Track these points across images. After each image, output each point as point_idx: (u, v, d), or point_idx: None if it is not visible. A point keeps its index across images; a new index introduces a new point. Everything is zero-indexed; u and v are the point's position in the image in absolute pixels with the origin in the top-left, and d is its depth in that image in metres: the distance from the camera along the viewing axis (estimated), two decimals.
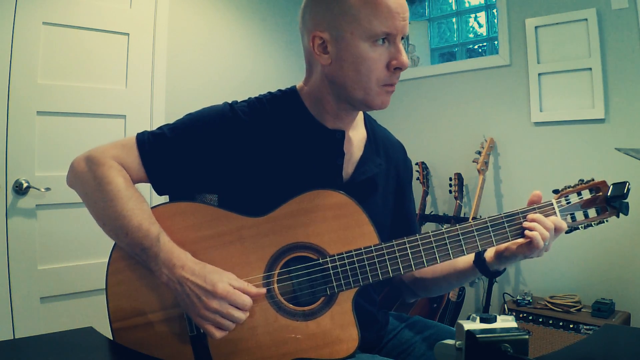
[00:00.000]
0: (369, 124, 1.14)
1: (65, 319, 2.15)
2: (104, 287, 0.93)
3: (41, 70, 2.12)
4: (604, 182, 1.01)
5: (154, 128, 1.03)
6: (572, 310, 2.28)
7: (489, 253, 1.00)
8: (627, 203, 1.00)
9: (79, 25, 2.22)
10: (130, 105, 2.38)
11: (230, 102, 1.04)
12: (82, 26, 2.22)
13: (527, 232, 0.94)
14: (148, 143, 0.99)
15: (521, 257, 0.95)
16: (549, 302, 2.37)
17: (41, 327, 2.07)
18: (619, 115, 2.41)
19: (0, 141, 2.02)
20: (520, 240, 0.95)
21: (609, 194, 0.99)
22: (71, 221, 2.19)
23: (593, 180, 1.01)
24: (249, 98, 1.06)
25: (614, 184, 1.00)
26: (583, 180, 1.02)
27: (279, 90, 1.07)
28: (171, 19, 2.53)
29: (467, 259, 1.03)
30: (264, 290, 0.91)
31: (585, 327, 2.19)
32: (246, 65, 2.87)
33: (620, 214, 1.00)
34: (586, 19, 2.46)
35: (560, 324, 2.25)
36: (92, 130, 2.24)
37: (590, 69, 2.46)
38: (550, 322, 2.28)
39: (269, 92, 1.07)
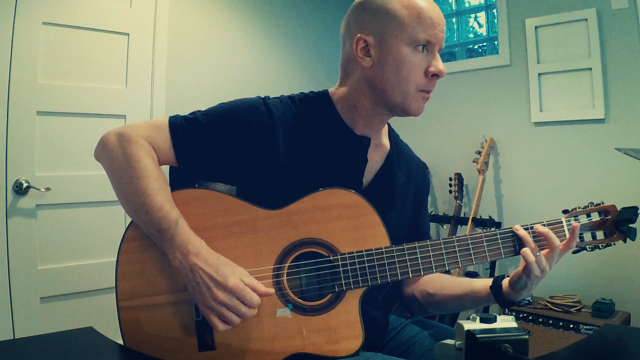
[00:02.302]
0: (393, 137, 1.15)
1: (65, 319, 2.15)
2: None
3: (41, 70, 2.12)
4: (613, 206, 1.02)
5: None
6: (572, 310, 2.29)
7: (505, 282, 1.01)
8: (636, 229, 1.00)
9: (79, 25, 2.22)
10: (130, 105, 2.38)
11: (263, 96, 1.06)
12: (82, 26, 2.22)
13: (522, 250, 0.95)
14: (180, 127, 1.00)
15: (525, 279, 0.96)
16: (549, 302, 2.37)
17: (41, 327, 2.07)
18: (619, 115, 2.41)
19: (0, 141, 2.02)
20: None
21: (617, 218, 1.00)
22: (71, 221, 2.20)
23: (603, 203, 1.03)
24: (282, 95, 1.08)
25: (623, 209, 1.01)
26: (593, 203, 1.03)
27: (312, 92, 1.10)
28: (171, 19, 2.53)
29: (485, 283, 1.04)
30: (272, 290, 0.91)
31: (585, 327, 2.19)
32: (246, 65, 2.87)
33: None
34: (586, 19, 2.46)
35: (560, 324, 2.25)
36: (92, 130, 2.24)
37: (590, 69, 2.46)
38: (550, 322, 2.28)
39: (302, 92, 1.09)
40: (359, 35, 0.98)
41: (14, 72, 2.04)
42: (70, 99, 2.20)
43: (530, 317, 2.35)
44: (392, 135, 1.16)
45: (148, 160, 0.95)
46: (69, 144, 2.19)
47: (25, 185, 2.07)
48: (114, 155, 0.97)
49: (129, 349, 0.90)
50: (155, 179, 0.94)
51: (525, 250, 0.94)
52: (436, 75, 0.97)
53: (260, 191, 0.98)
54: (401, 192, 1.11)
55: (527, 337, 0.65)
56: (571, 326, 2.22)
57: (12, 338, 1.94)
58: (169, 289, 0.92)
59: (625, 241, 1.02)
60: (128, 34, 2.36)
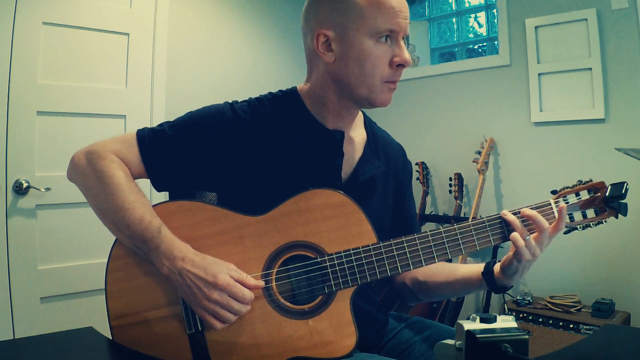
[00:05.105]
0: (369, 126, 1.14)
1: (65, 319, 2.15)
2: (103, 286, 0.93)
3: (41, 70, 2.11)
4: (602, 183, 1.01)
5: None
6: (572, 310, 2.28)
7: (496, 267, 1.00)
8: (626, 204, 0.99)
9: (79, 25, 2.22)
10: (130, 105, 2.38)
11: (230, 101, 1.04)
12: (82, 26, 2.22)
13: (511, 235, 0.94)
14: (148, 139, 0.99)
15: (516, 263, 0.95)
16: (549, 302, 2.37)
17: (41, 327, 2.07)
18: (619, 115, 2.41)
19: (0, 141, 2.02)
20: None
21: (607, 195, 0.99)
22: (71, 221, 2.19)
23: (591, 180, 1.01)
24: (250, 98, 1.07)
25: (612, 185, 1.00)
26: (582, 181, 1.02)
27: (280, 91, 1.08)
28: (171, 19, 2.53)
29: (476, 269, 1.03)
30: (262, 283, 0.91)
31: (585, 327, 2.19)
32: (246, 65, 2.87)
33: (619, 215, 1.00)
34: (586, 19, 2.46)
35: (560, 324, 2.25)
36: (92, 130, 2.24)
37: (590, 69, 2.46)
38: (550, 322, 2.28)
39: (270, 93, 1.08)
40: (319, 30, 0.97)
41: (14, 72, 2.04)
42: (70, 99, 2.20)
43: (530, 317, 2.34)
44: (368, 123, 1.14)
45: (120, 174, 0.94)
46: (69, 144, 2.16)
47: (25, 185, 2.07)
48: (86, 175, 0.97)
49: (129, 349, 0.90)
50: (131, 192, 0.93)
51: (515, 235, 0.94)
52: (402, 65, 0.96)
53: (241, 197, 0.97)
54: (382, 182, 1.10)
55: (527, 337, 0.65)
56: (571, 326, 2.22)
57: (12, 338, 1.94)
58: (159, 303, 0.92)
59: (616, 217, 1.00)
60: (128, 34, 2.36)
